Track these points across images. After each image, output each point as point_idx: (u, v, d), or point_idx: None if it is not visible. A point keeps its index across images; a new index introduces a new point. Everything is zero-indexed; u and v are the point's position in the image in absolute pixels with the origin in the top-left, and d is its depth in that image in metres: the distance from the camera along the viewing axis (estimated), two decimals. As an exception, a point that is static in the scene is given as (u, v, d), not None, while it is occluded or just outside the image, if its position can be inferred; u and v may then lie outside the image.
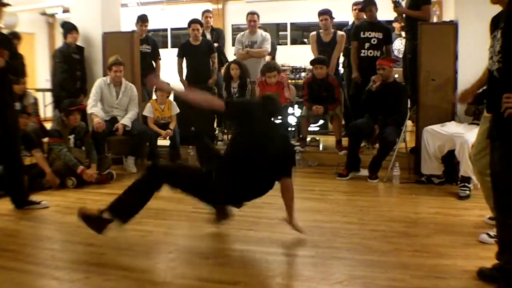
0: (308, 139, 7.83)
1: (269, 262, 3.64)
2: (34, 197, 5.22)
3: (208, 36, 8.82)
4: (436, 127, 5.89)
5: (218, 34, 8.94)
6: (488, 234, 3.93)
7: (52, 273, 3.44)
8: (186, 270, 3.54)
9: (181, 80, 8.46)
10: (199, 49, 8.24)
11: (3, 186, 5.20)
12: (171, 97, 7.55)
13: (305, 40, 13.35)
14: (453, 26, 6.43)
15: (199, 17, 8.60)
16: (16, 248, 3.97)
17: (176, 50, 8.65)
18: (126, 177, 6.65)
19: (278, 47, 10.18)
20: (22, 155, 5.30)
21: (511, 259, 2.90)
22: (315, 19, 8.11)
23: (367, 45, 7.45)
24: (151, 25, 8.82)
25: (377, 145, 6.57)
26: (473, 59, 5.87)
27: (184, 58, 8.41)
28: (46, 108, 10.15)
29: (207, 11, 9.30)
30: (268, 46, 8.40)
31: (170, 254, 3.80)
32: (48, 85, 10.08)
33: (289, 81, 8.36)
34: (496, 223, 3.19)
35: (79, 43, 7.78)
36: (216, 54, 8.47)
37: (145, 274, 3.42)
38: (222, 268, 3.53)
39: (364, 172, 6.43)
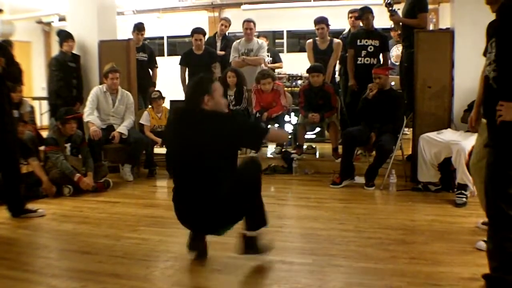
0: (305, 146, 7.84)
1: (266, 270, 3.64)
2: (31, 206, 5.20)
3: (218, 43, 8.91)
4: (433, 135, 5.90)
5: (227, 43, 8.92)
6: (485, 241, 3.92)
7: (48, 282, 3.43)
8: (183, 278, 3.54)
9: (184, 88, 8.47)
10: (201, 58, 8.28)
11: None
12: (167, 105, 7.56)
13: (302, 47, 13.38)
14: (449, 33, 6.46)
15: (194, 25, 8.60)
16: (12, 257, 3.97)
17: (172, 58, 8.70)
18: (122, 185, 6.66)
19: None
20: (19, 163, 5.28)
21: (496, 266, 2.91)
22: (311, 26, 8.12)
23: (363, 52, 7.46)
24: (147, 33, 8.84)
25: (373, 153, 6.57)
26: (470, 67, 5.92)
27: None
28: (42, 116, 10.17)
29: (224, 19, 9.32)
30: (264, 54, 8.42)
31: (167, 261, 3.79)
32: (44, 93, 10.10)
33: (286, 88, 8.36)
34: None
35: (75, 51, 7.79)
36: (217, 63, 8.49)
37: (142, 282, 3.41)
38: (219, 276, 3.53)
39: (361, 179, 6.43)
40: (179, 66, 8.48)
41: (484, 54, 3.37)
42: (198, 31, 8.31)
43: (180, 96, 8.49)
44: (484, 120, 3.84)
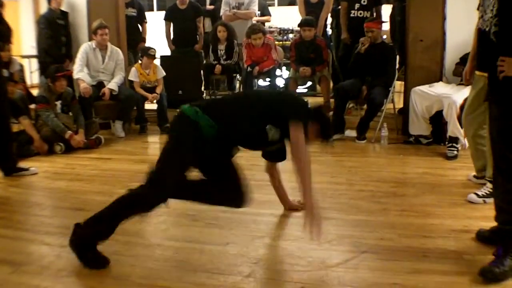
0: (296, 101, 7.80)
1: (258, 223, 3.67)
2: (23, 164, 5.20)
3: None
4: (424, 88, 5.89)
5: None
6: (476, 194, 3.97)
7: (42, 239, 3.45)
8: (176, 232, 3.57)
9: (169, 44, 8.42)
10: (186, 13, 8.22)
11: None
12: (157, 61, 7.51)
13: (293, 0, 13.22)
14: (441, -14, 6.39)
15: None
16: (5, 215, 3.97)
17: (162, 13, 8.59)
18: (114, 142, 6.67)
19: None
20: (10, 122, 5.25)
21: (507, 219, 2.91)
22: (302, -21, 8.01)
23: (357, 5, 7.41)
24: (136, -12, 8.70)
25: (365, 106, 6.58)
26: (462, 20, 5.88)
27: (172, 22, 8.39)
28: (32, 75, 10.06)
29: None
30: (255, 8, 8.32)
31: (160, 216, 3.79)
32: (33, 51, 9.96)
33: (277, 42, 8.30)
34: (493, 185, 3.19)
35: (63, 8, 7.68)
36: (202, 17, 8.42)
37: (136, 237, 3.44)
38: (211, 230, 3.56)
39: (352, 133, 6.45)
40: (164, 21, 8.46)
41: (478, 8, 3.35)
42: None
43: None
44: (478, 73, 3.85)
